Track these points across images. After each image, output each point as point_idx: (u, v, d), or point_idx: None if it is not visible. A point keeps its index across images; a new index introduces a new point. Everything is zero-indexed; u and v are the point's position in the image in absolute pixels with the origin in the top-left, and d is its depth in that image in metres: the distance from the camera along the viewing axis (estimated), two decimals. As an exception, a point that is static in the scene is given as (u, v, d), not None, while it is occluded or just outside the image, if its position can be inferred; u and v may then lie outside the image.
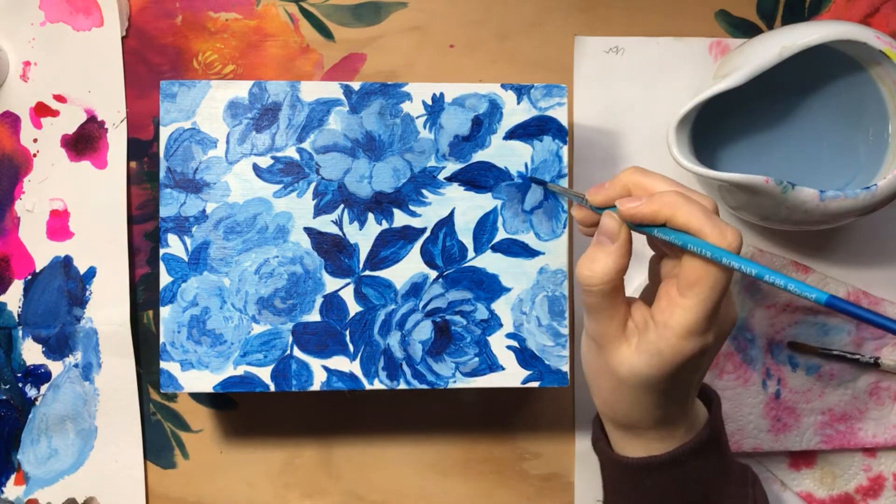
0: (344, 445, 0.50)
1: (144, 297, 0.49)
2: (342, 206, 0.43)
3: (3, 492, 0.48)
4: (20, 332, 0.48)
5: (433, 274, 0.44)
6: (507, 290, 0.44)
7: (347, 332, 0.43)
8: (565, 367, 0.44)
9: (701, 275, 0.32)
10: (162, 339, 0.42)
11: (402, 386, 0.43)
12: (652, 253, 0.38)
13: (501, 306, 0.44)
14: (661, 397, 0.36)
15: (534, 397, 0.50)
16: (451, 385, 0.43)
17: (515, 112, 0.44)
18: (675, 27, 0.50)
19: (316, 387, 0.43)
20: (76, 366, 0.48)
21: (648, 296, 0.38)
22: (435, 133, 0.44)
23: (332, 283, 0.43)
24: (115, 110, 0.48)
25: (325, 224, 0.43)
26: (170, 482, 0.49)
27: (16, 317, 0.48)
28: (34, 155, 0.48)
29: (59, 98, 0.48)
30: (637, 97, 0.50)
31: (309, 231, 0.43)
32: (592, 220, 0.38)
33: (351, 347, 0.43)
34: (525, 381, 0.44)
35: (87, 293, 0.48)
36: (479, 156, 0.44)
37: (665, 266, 0.36)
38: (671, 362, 0.33)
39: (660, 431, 0.37)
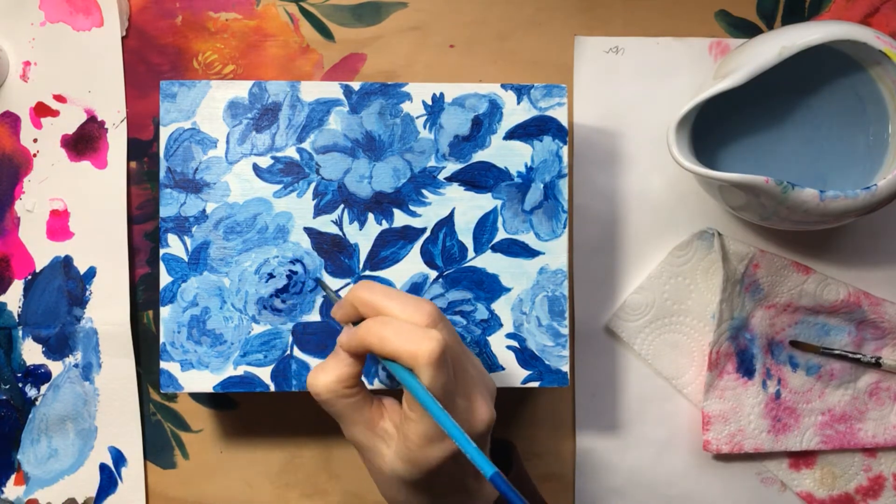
0: (344, 445, 0.50)
1: (144, 297, 0.49)
2: (342, 206, 0.43)
3: (3, 492, 0.48)
4: (20, 332, 0.48)
5: (433, 274, 0.44)
6: (507, 290, 0.44)
7: (347, 332, 0.43)
8: (565, 367, 0.44)
9: (413, 399, 0.33)
10: (162, 339, 0.42)
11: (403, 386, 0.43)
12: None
13: (501, 306, 0.44)
14: (429, 489, 0.35)
15: (534, 397, 0.50)
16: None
17: (515, 112, 0.44)
18: (675, 27, 0.50)
19: (316, 387, 0.43)
20: (76, 366, 0.48)
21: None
22: (435, 133, 0.44)
23: (332, 283, 0.43)
24: (115, 110, 0.48)
25: (325, 224, 0.43)
26: (170, 482, 0.49)
27: (16, 317, 0.48)
28: (34, 155, 0.48)
29: (59, 98, 0.48)
30: (637, 97, 0.50)
31: (309, 231, 0.43)
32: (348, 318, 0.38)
33: (351, 347, 0.43)
34: (525, 381, 0.44)
35: (87, 293, 0.48)
36: (479, 156, 0.44)
37: None
38: (425, 467, 0.34)
39: None
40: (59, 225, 0.48)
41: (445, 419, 0.31)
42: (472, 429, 0.35)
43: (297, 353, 0.43)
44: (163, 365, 0.42)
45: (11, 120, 0.48)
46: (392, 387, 0.43)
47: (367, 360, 0.43)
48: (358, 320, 0.36)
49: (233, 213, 0.43)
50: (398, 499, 0.37)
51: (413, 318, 0.34)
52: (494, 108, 0.44)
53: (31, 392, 0.48)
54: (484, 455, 0.31)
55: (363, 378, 0.43)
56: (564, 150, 0.44)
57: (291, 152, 0.43)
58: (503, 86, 0.44)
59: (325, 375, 0.35)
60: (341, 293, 0.43)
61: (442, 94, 0.44)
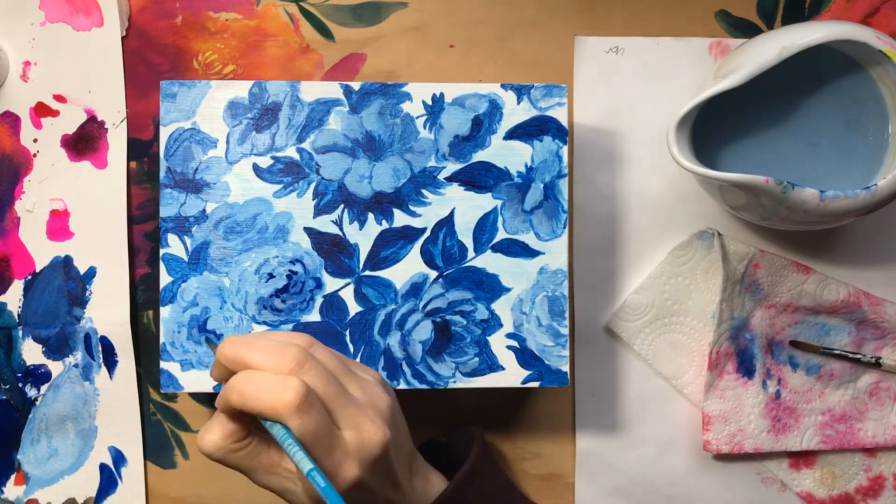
0: (344, 445, 0.50)
1: (144, 297, 0.49)
2: (342, 206, 0.43)
3: (3, 492, 0.48)
4: (20, 332, 0.48)
5: (433, 274, 0.44)
6: (507, 290, 0.44)
7: (347, 332, 0.43)
8: (565, 367, 0.44)
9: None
10: (162, 339, 0.42)
11: (402, 386, 0.43)
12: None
13: (501, 306, 0.44)
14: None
15: (534, 397, 0.50)
16: (451, 385, 0.43)
17: (515, 112, 0.44)
18: (675, 27, 0.50)
19: (316, 387, 0.43)
20: (76, 366, 0.48)
21: None
22: (435, 133, 0.44)
23: (332, 283, 0.43)
24: (115, 110, 0.48)
25: (325, 224, 0.43)
26: (170, 482, 0.49)
27: (16, 317, 0.48)
28: (34, 155, 0.48)
29: (59, 98, 0.48)
30: (637, 97, 0.50)
31: (309, 231, 0.43)
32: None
33: (351, 347, 0.43)
34: (525, 381, 0.44)
35: (87, 293, 0.48)
36: (479, 156, 0.44)
37: None
38: (341, 494, 0.33)
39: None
40: (59, 225, 0.48)
41: (310, 472, 0.31)
42: (367, 455, 0.34)
43: (297, 353, 0.43)
44: (163, 365, 0.42)
45: (11, 120, 0.48)
46: (392, 387, 0.43)
47: (365, 359, 0.43)
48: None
49: (233, 213, 0.43)
50: None
51: (278, 366, 0.33)
52: (494, 108, 0.44)
53: (31, 392, 0.48)
54: (341, 500, 0.30)
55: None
56: (564, 150, 0.44)
57: (291, 152, 0.43)
58: (503, 86, 0.44)
59: (211, 435, 0.35)
60: (341, 293, 0.43)
61: (442, 94, 0.44)
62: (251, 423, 0.35)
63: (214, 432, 0.35)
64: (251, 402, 0.32)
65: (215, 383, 0.42)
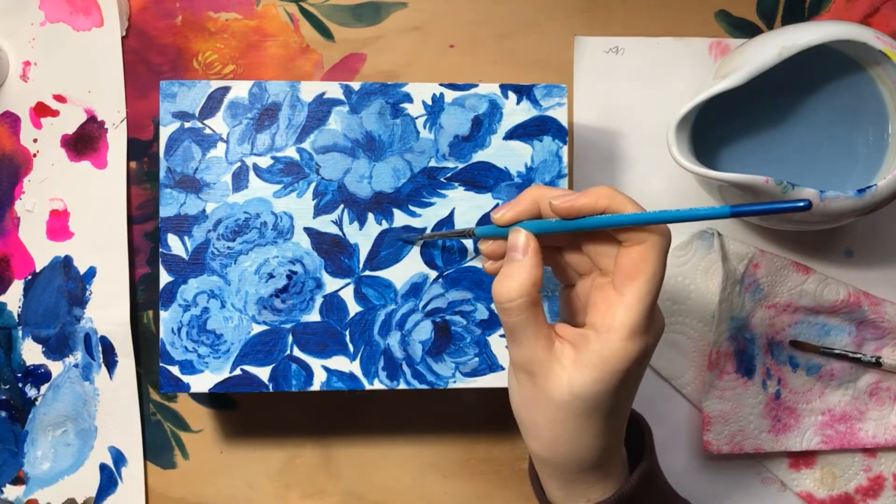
0: (344, 445, 0.50)
1: (144, 297, 0.49)
2: (342, 206, 0.43)
3: (2, 492, 0.48)
4: (20, 332, 0.48)
5: (433, 274, 0.44)
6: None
7: (347, 332, 0.43)
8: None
9: (639, 266, 0.32)
10: (162, 339, 0.42)
11: (402, 386, 0.43)
12: None
13: (501, 306, 0.44)
14: (604, 421, 0.34)
15: (534, 397, 0.50)
16: (451, 385, 0.43)
17: (515, 112, 0.44)
18: (675, 27, 0.50)
19: (316, 387, 0.43)
20: (76, 366, 0.48)
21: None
22: (435, 133, 0.44)
23: (332, 283, 0.43)
24: (115, 110, 0.48)
25: (325, 224, 0.43)
26: (170, 482, 0.49)
27: (16, 317, 0.48)
28: (34, 155, 0.48)
29: (59, 98, 0.48)
30: (637, 97, 0.50)
31: (309, 231, 0.43)
32: (500, 250, 0.37)
33: (351, 347, 0.43)
34: (525, 381, 0.44)
35: (87, 293, 0.48)
36: (479, 156, 0.44)
37: (581, 287, 0.36)
38: (617, 370, 0.32)
39: (598, 472, 0.35)
40: (59, 225, 0.48)
41: (698, 210, 0.30)
42: (657, 332, 0.34)
43: (296, 353, 0.43)
44: (163, 365, 0.42)
45: (11, 120, 0.48)
46: (393, 387, 0.43)
47: (365, 359, 0.43)
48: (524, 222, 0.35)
49: (233, 213, 0.43)
50: (549, 435, 0.34)
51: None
52: (494, 108, 0.44)
53: (31, 392, 0.48)
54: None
55: (363, 378, 0.43)
56: (564, 150, 0.44)
57: (291, 152, 0.43)
58: (503, 86, 0.44)
59: (516, 280, 0.33)
60: (341, 293, 0.43)
61: (442, 95, 0.44)
62: None
63: (519, 278, 0.33)
64: (632, 206, 0.32)
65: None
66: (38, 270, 0.48)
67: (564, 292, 0.37)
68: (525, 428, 0.36)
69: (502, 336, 0.44)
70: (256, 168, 0.43)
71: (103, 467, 0.48)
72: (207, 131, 0.43)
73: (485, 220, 0.44)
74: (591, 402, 0.33)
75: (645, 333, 0.32)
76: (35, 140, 0.48)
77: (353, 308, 0.43)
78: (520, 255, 0.34)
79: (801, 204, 0.27)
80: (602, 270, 0.34)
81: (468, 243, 0.44)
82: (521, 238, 0.34)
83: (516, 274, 0.33)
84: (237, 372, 0.43)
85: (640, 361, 0.33)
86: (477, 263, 0.44)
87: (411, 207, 0.43)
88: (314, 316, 0.43)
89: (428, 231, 0.43)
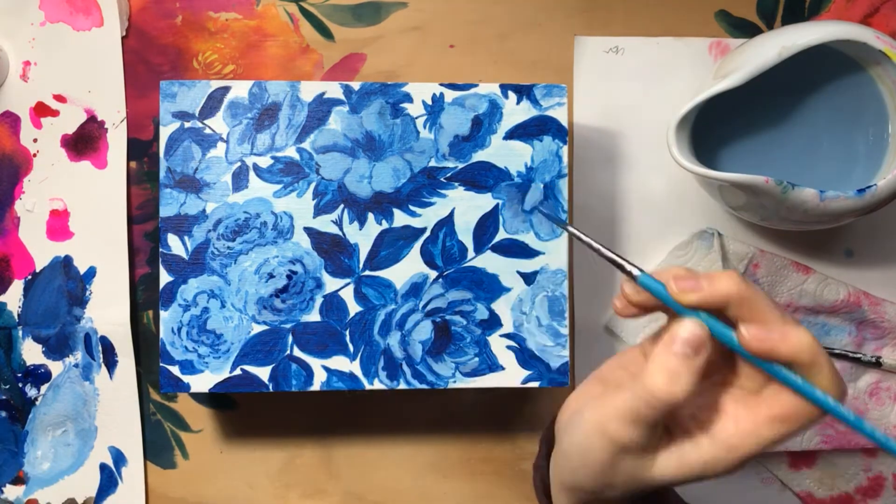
0: (344, 445, 0.50)
1: (144, 297, 0.49)
2: (342, 206, 0.43)
3: (2, 492, 0.48)
4: (20, 332, 0.48)
5: (433, 274, 0.44)
6: (507, 290, 0.44)
7: (347, 332, 0.43)
8: (565, 367, 0.44)
9: (796, 412, 0.29)
10: (162, 339, 0.42)
11: (402, 386, 0.43)
12: None
13: (501, 306, 0.44)
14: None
15: (534, 397, 0.50)
16: (451, 385, 0.43)
17: (515, 112, 0.44)
18: (675, 27, 0.50)
19: (316, 387, 0.43)
20: (76, 366, 0.48)
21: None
22: (435, 133, 0.44)
23: (332, 283, 0.43)
24: (115, 110, 0.48)
25: (325, 224, 0.43)
26: (170, 482, 0.49)
27: (16, 317, 0.48)
28: (34, 155, 0.48)
29: (59, 98, 0.48)
30: (637, 97, 0.50)
31: (309, 231, 0.43)
32: (648, 304, 0.32)
33: (351, 347, 0.43)
34: (525, 381, 0.44)
35: (87, 293, 0.48)
36: (479, 156, 0.44)
37: (711, 390, 0.32)
38: (705, 474, 0.30)
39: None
40: (59, 225, 0.48)
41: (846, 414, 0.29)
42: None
43: (296, 352, 0.43)
44: (163, 365, 0.42)
45: (11, 120, 0.48)
46: (393, 387, 0.43)
47: (365, 359, 0.43)
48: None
49: (233, 212, 0.43)
50: (592, 474, 0.31)
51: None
52: (494, 108, 0.44)
53: (31, 392, 0.48)
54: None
55: (363, 378, 0.43)
56: (564, 150, 0.44)
57: (291, 152, 0.43)
58: (503, 86, 0.44)
59: (684, 383, 0.29)
60: (341, 293, 0.43)
61: (442, 94, 0.44)
62: None
63: (691, 383, 0.29)
64: (826, 378, 0.29)
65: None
66: (38, 270, 0.48)
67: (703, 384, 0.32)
68: (574, 456, 0.32)
69: (502, 336, 0.44)
70: (256, 168, 0.43)
71: (103, 467, 0.48)
72: (207, 131, 0.43)
73: (484, 221, 0.44)
74: (661, 483, 0.31)
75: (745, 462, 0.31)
76: (35, 140, 0.48)
77: (353, 308, 0.43)
78: (693, 354, 0.29)
79: None
80: (742, 387, 0.31)
81: (468, 242, 0.43)
82: (699, 332, 0.30)
83: (685, 377, 0.29)
84: (237, 372, 0.43)
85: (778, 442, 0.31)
86: (477, 263, 0.44)
87: (411, 207, 0.43)
88: (314, 316, 0.43)
89: (429, 230, 0.43)
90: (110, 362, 0.48)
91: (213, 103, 0.43)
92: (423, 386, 0.43)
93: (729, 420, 0.30)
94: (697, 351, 0.29)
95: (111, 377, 0.48)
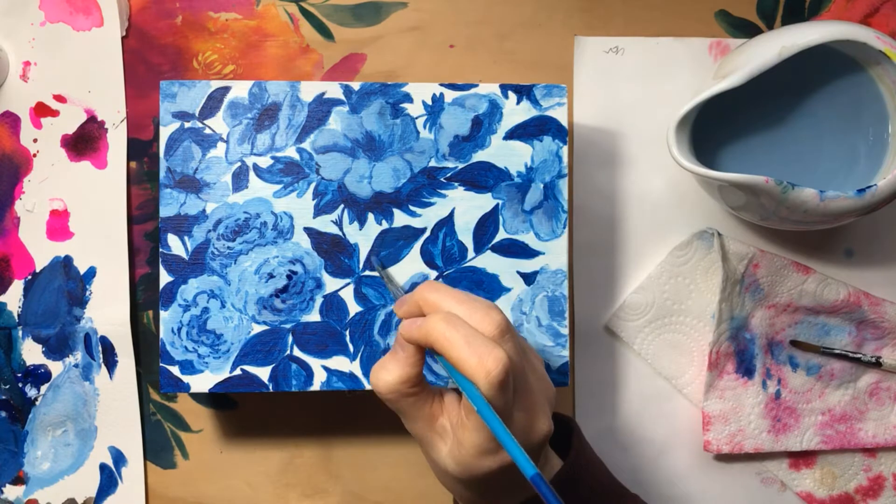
0: (344, 445, 0.50)
1: (144, 297, 0.49)
2: (342, 206, 0.43)
3: (2, 492, 0.48)
4: (20, 332, 0.48)
5: (433, 274, 0.44)
6: (507, 290, 0.44)
7: (347, 332, 0.43)
8: (565, 368, 0.44)
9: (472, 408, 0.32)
10: (162, 339, 0.42)
11: (402, 386, 0.43)
12: None
13: (501, 306, 0.44)
14: (492, 485, 0.35)
15: (534, 397, 0.50)
16: (451, 385, 0.43)
17: (515, 112, 0.44)
18: (675, 27, 0.50)
19: (316, 387, 0.43)
20: (76, 366, 0.48)
21: None
22: (435, 133, 0.44)
23: (332, 283, 0.43)
24: (115, 110, 0.48)
25: (325, 224, 0.43)
26: (170, 482, 0.49)
27: (16, 317, 0.48)
28: (34, 155, 0.48)
29: (59, 98, 0.48)
30: (637, 97, 0.50)
31: (309, 231, 0.43)
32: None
33: (351, 347, 0.43)
34: (525, 381, 0.44)
35: (87, 293, 0.48)
36: (479, 156, 0.44)
37: None
38: (476, 474, 0.33)
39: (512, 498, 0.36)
40: (59, 225, 0.48)
41: (501, 432, 0.31)
42: (530, 442, 0.34)
43: (296, 352, 0.43)
44: (163, 365, 0.42)
45: (11, 120, 0.48)
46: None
47: (365, 359, 0.43)
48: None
49: (233, 213, 0.43)
50: (452, 489, 0.37)
51: (481, 326, 0.33)
52: (494, 108, 0.44)
53: (31, 392, 0.48)
54: (533, 464, 0.30)
55: (363, 378, 0.43)
56: (564, 150, 0.44)
57: (291, 152, 0.43)
58: (503, 86, 0.44)
59: (388, 375, 0.35)
60: (341, 293, 0.43)
61: (442, 95, 0.44)
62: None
63: (393, 374, 0.34)
64: (456, 352, 0.31)
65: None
66: (38, 270, 0.48)
67: None
68: (435, 474, 0.38)
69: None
70: (256, 168, 0.43)
71: (103, 467, 0.48)
72: (207, 131, 0.43)
73: (484, 221, 0.44)
74: (461, 480, 0.34)
75: (497, 452, 0.33)
76: (35, 140, 0.48)
77: (353, 308, 0.43)
78: (400, 349, 0.35)
79: None
80: None
81: (468, 242, 0.43)
82: (407, 327, 0.35)
83: (390, 368, 0.35)
84: (237, 372, 0.43)
85: (496, 473, 0.33)
86: (477, 263, 0.44)
87: (411, 207, 0.43)
88: (314, 316, 0.43)
89: (428, 231, 0.43)
90: (110, 362, 0.48)
91: (213, 103, 0.43)
92: (423, 386, 0.43)
93: (455, 418, 0.35)
94: (402, 347, 0.35)
95: (111, 377, 0.48)
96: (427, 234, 0.44)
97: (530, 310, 0.44)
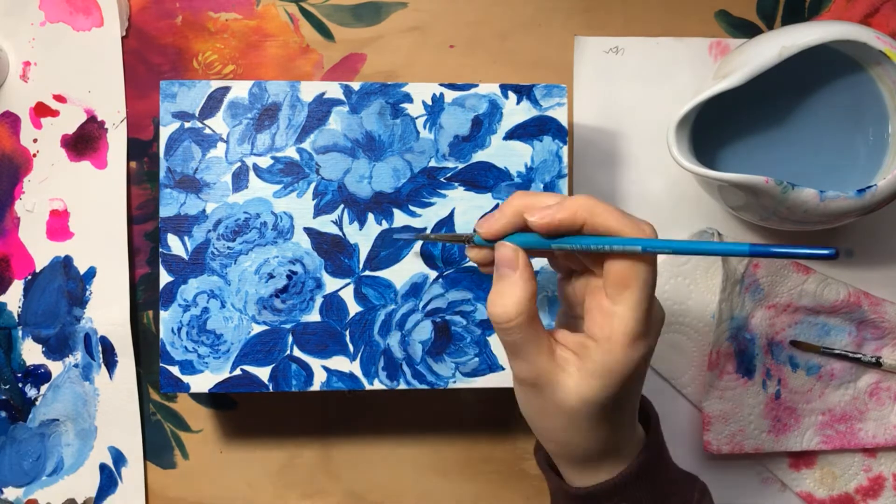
0: (344, 445, 0.50)
1: (144, 297, 0.49)
2: (342, 206, 0.43)
3: (2, 492, 0.48)
4: (20, 332, 0.48)
5: (433, 274, 0.44)
6: (507, 290, 0.44)
7: (347, 332, 0.43)
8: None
9: (630, 274, 0.31)
10: (162, 339, 0.42)
11: (402, 386, 0.43)
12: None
13: (501, 306, 0.44)
14: (614, 418, 0.34)
15: (534, 397, 0.50)
16: (451, 385, 0.43)
17: (515, 112, 0.44)
18: (675, 27, 0.50)
19: (316, 387, 0.43)
20: (76, 366, 0.48)
21: (563, 319, 0.37)
22: (435, 133, 0.44)
23: (332, 283, 0.43)
24: (115, 110, 0.48)
25: (325, 224, 0.43)
26: (170, 482, 0.49)
27: (16, 317, 0.48)
28: (34, 155, 0.48)
29: (59, 98, 0.48)
30: (637, 97, 0.50)
31: (309, 231, 0.43)
32: (489, 258, 0.36)
33: (351, 347, 0.43)
34: (525, 381, 0.44)
35: (87, 293, 0.48)
36: (479, 156, 0.44)
37: (577, 284, 0.35)
38: (622, 375, 0.32)
39: (612, 458, 0.36)
40: (59, 225, 0.48)
41: (693, 243, 0.30)
42: (657, 327, 0.34)
43: (296, 353, 0.43)
44: (163, 365, 0.42)
45: (11, 120, 0.48)
46: (393, 387, 0.43)
47: (365, 359, 0.43)
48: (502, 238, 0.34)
49: (233, 213, 0.43)
50: (563, 438, 0.35)
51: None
52: (494, 109, 0.44)
53: (31, 392, 0.48)
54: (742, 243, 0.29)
55: (363, 378, 0.43)
56: (564, 150, 0.44)
57: (291, 152, 0.43)
58: (503, 86, 0.44)
59: (511, 297, 0.32)
60: (341, 293, 0.43)
61: (442, 95, 0.44)
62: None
63: (514, 293, 0.33)
64: (614, 219, 0.31)
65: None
66: (38, 270, 0.48)
67: (562, 283, 0.37)
68: (537, 432, 0.36)
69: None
70: (256, 168, 0.43)
71: (103, 467, 0.48)
72: (207, 131, 0.43)
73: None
74: (600, 407, 0.33)
75: (644, 337, 0.32)
76: (35, 140, 0.48)
77: (353, 308, 0.43)
78: (510, 270, 0.33)
79: (826, 252, 0.26)
80: (594, 273, 0.34)
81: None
82: (508, 253, 0.34)
83: (509, 292, 0.33)
84: (237, 372, 0.43)
85: (643, 363, 0.33)
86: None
87: (411, 207, 0.43)
88: (314, 316, 0.43)
89: (428, 231, 0.43)
90: (110, 362, 0.48)
91: (213, 103, 0.43)
92: (423, 386, 0.43)
93: (596, 313, 0.33)
94: (512, 266, 0.33)
95: (111, 377, 0.48)
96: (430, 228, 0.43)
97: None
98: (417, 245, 0.43)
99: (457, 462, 0.50)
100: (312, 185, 0.43)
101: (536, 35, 0.50)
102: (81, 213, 0.48)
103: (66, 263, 0.48)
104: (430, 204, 0.44)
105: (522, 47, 0.50)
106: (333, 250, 0.43)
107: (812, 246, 0.26)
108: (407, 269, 0.43)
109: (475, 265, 0.43)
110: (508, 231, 0.34)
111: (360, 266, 0.43)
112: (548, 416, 0.34)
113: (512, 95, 0.44)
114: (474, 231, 0.36)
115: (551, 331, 0.35)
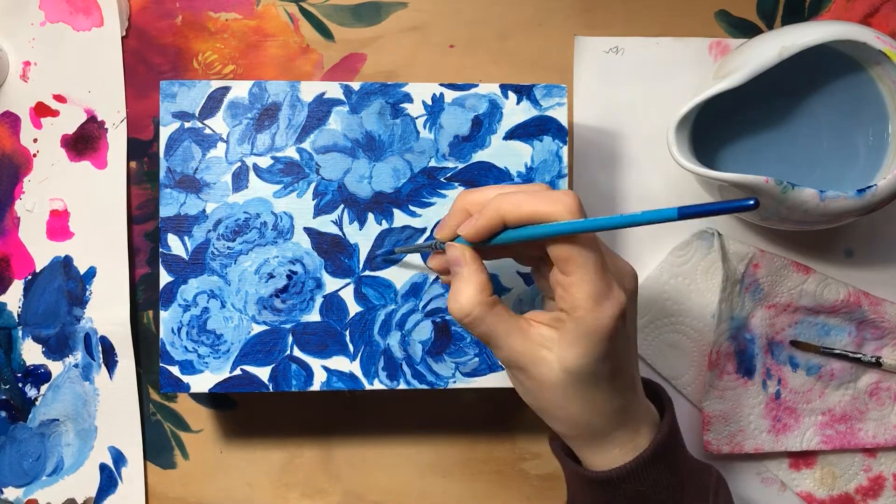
0: (344, 445, 0.50)
1: (144, 297, 0.49)
2: (342, 206, 0.43)
3: (2, 492, 0.48)
4: (20, 332, 0.48)
5: (433, 274, 0.44)
6: (507, 290, 0.44)
7: (347, 332, 0.43)
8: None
9: (568, 251, 0.32)
10: (162, 339, 0.42)
11: (402, 386, 0.43)
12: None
13: (501, 306, 0.44)
14: (609, 385, 0.34)
15: (534, 397, 0.50)
16: (451, 385, 0.43)
17: (515, 112, 0.44)
18: (675, 27, 0.50)
19: (316, 387, 0.43)
20: (76, 366, 0.48)
21: (550, 307, 0.37)
22: (435, 133, 0.44)
23: (332, 283, 0.43)
24: (115, 110, 0.48)
25: (325, 224, 0.43)
26: (170, 482, 0.49)
27: (16, 317, 0.48)
28: (34, 155, 0.48)
29: (59, 98, 0.48)
30: (637, 97, 0.50)
31: (309, 231, 0.43)
32: (445, 265, 0.37)
33: (351, 347, 0.43)
34: (525, 381, 0.44)
35: (87, 293, 0.48)
36: (479, 156, 0.44)
37: (544, 269, 0.36)
38: (599, 338, 0.32)
39: (626, 430, 0.36)
40: (59, 225, 0.48)
41: (615, 218, 0.30)
42: (626, 283, 0.35)
43: (296, 353, 0.43)
44: (163, 365, 0.42)
45: (11, 120, 0.48)
46: (393, 387, 0.43)
47: (365, 359, 0.43)
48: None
49: (233, 213, 0.43)
50: (569, 408, 0.35)
51: (526, 188, 0.34)
52: (494, 108, 0.44)
53: (31, 392, 0.48)
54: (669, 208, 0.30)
55: (363, 378, 0.43)
56: (564, 150, 0.44)
57: (291, 152, 0.43)
58: (503, 86, 0.44)
59: (464, 292, 0.34)
60: (341, 293, 0.43)
61: (442, 95, 0.44)
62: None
63: (467, 289, 0.34)
64: (528, 206, 0.32)
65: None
66: (38, 270, 0.48)
67: (535, 274, 0.38)
68: (541, 414, 0.37)
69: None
70: (256, 168, 0.43)
71: (103, 467, 0.48)
72: (207, 131, 0.43)
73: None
74: (588, 373, 0.33)
75: (608, 296, 0.33)
76: (35, 140, 0.48)
77: (353, 308, 0.43)
78: (459, 267, 0.35)
79: (749, 203, 0.26)
80: (547, 259, 0.34)
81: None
82: (455, 252, 0.35)
83: (462, 288, 0.34)
84: (237, 372, 0.43)
85: (619, 320, 0.33)
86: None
87: (411, 207, 0.43)
88: (314, 316, 0.43)
89: (428, 230, 0.43)
90: (110, 362, 0.48)
91: (213, 103, 0.43)
92: (423, 386, 0.43)
93: (559, 290, 0.33)
94: (460, 263, 0.35)
95: (111, 377, 0.48)
96: (427, 234, 0.43)
97: (530, 310, 0.44)
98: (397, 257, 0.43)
99: (457, 462, 0.50)
100: (312, 185, 0.43)
101: (536, 35, 0.50)
102: (81, 213, 0.48)
103: (66, 263, 0.48)
104: (430, 204, 0.44)
105: (522, 47, 0.50)
106: (333, 250, 0.43)
107: (733, 200, 0.27)
108: (407, 269, 0.43)
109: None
110: (462, 221, 0.36)
111: (360, 266, 0.43)
112: (543, 394, 0.35)
113: (512, 95, 0.44)
114: (434, 237, 0.37)
115: (526, 313, 0.36)
